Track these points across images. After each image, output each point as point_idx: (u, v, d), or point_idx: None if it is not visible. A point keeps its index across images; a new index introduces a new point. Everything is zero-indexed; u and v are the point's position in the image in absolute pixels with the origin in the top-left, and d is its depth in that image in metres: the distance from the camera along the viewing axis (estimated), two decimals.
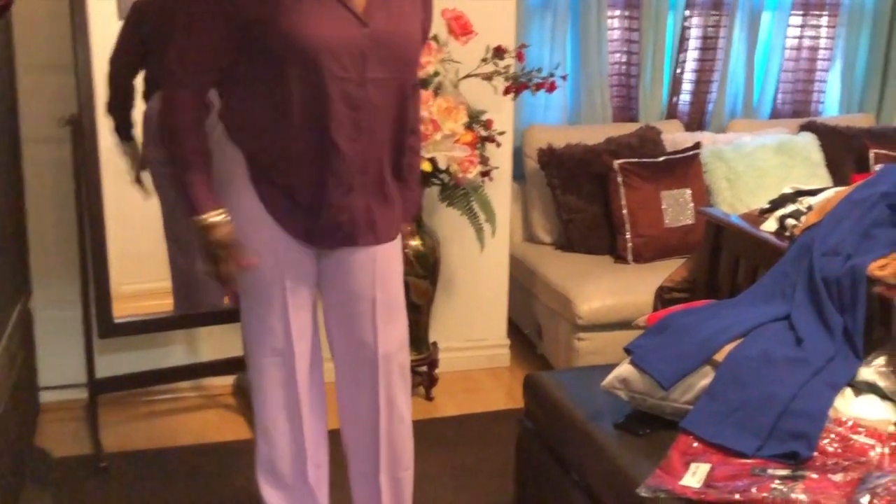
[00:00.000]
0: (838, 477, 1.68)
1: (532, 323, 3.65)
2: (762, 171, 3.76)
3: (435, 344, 3.37)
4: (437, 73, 2.94)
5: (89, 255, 2.78)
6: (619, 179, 3.54)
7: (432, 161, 2.89)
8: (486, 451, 2.91)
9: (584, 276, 3.37)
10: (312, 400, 2.05)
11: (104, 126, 2.77)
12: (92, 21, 2.65)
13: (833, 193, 2.36)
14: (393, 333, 2.04)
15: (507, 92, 3.12)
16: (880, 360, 1.96)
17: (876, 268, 2.03)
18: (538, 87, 3.11)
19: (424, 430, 3.03)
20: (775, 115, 4.34)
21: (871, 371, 1.95)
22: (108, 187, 2.77)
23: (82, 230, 2.77)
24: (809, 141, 3.96)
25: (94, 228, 2.75)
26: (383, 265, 1.99)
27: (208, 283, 2.99)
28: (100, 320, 2.82)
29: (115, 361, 3.03)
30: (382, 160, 1.92)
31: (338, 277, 1.99)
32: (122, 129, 2.85)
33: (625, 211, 3.54)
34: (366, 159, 1.87)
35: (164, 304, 3.00)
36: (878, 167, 2.98)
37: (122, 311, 2.87)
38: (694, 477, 1.74)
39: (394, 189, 1.97)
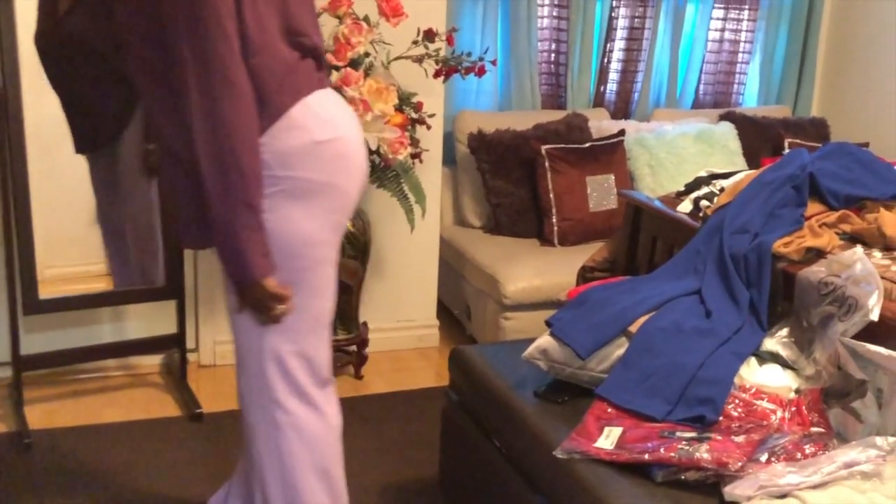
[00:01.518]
0: (741, 438, 1.77)
1: (461, 304, 3.72)
2: (682, 159, 3.89)
3: (365, 324, 3.42)
4: (367, 54, 2.98)
5: (14, 231, 2.76)
6: (547, 165, 3.63)
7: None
8: (413, 427, 2.97)
9: (511, 259, 3.45)
10: None
11: (30, 102, 2.74)
12: None
13: (744, 176, 2.47)
14: None
15: (437, 75, 3.17)
16: (783, 332, 2.07)
17: (780, 245, 2.14)
18: (468, 70, 3.17)
19: (354, 408, 3.09)
20: (697, 105, 4.49)
21: (775, 342, 2.06)
22: (33, 164, 2.74)
23: (7, 206, 2.75)
24: (728, 130, 4.11)
25: (19, 204, 2.72)
26: None
27: (145, 262, 3.03)
28: (25, 297, 2.79)
29: (42, 339, 3.01)
30: None
31: None
32: None
33: (551, 195, 3.64)
34: None
35: (91, 289, 2.98)
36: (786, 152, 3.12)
37: (48, 294, 2.85)
38: (607, 440, 1.82)
39: None
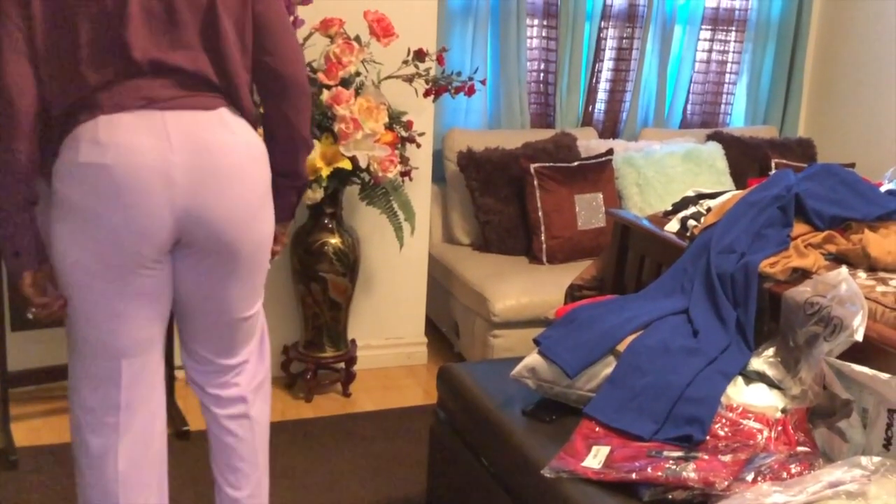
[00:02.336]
0: (727, 457, 1.78)
1: (449, 321, 3.73)
2: (670, 178, 3.92)
3: (353, 341, 3.42)
4: (358, 73, 3.00)
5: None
6: (535, 183, 3.65)
7: (353, 160, 2.94)
8: (401, 445, 2.97)
9: (499, 276, 3.46)
10: None
11: None
12: None
13: (730, 196, 2.50)
14: None
15: (427, 94, 3.20)
16: (769, 352, 2.09)
17: (767, 265, 2.16)
18: (457, 90, 3.20)
19: (341, 425, 3.09)
20: (685, 125, 4.52)
21: (761, 361, 2.07)
22: None
23: None
24: (715, 150, 4.14)
25: None
26: None
27: None
28: (12, 313, 2.79)
29: (28, 356, 3.00)
30: None
31: None
32: None
33: (540, 213, 3.65)
34: None
35: None
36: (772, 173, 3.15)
37: None
38: (595, 458, 1.83)
39: None
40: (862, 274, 2.16)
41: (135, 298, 1.75)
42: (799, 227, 2.31)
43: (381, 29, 2.99)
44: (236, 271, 1.83)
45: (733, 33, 4.49)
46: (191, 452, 2.83)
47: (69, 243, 1.70)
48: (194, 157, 1.69)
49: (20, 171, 1.65)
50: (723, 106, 4.58)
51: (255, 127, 1.85)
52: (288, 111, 1.89)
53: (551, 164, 3.70)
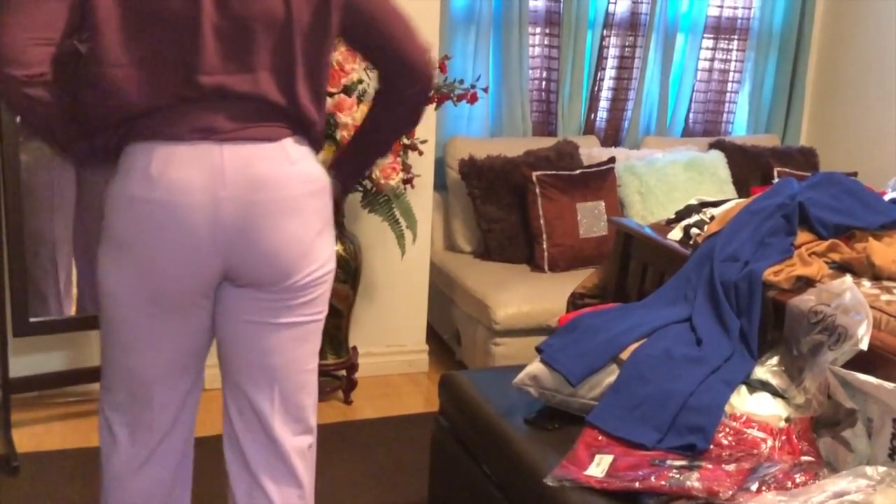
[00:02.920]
0: (731, 467, 1.78)
1: (451, 329, 3.72)
2: (672, 186, 3.92)
3: (354, 348, 3.42)
4: (360, 81, 3.00)
5: (5, 253, 2.75)
6: (537, 191, 3.65)
7: None
8: (402, 453, 2.96)
9: (501, 284, 3.46)
10: None
11: None
12: None
13: (734, 204, 2.49)
14: None
15: (429, 102, 3.19)
16: (773, 360, 2.08)
17: (771, 273, 2.15)
18: (460, 97, 3.20)
19: (342, 433, 3.08)
20: (687, 133, 4.52)
21: (765, 370, 2.06)
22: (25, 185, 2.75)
23: None
24: (717, 158, 4.14)
25: (12, 225, 2.72)
26: None
27: None
28: (15, 319, 2.78)
29: (30, 362, 3.00)
30: None
31: None
32: None
33: (542, 221, 3.65)
34: None
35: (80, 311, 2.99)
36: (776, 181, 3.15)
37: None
38: (598, 467, 1.82)
39: None
40: (866, 283, 2.15)
41: (176, 334, 1.69)
42: (803, 236, 2.30)
43: None
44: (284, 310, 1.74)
45: (735, 42, 4.50)
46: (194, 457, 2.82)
47: (113, 275, 1.63)
48: (246, 194, 1.58)
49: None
50: (725, 114, 4.58)
51: (320, 147, 1.76)
52: (399, 114, 1.82)
53: (553, 172, 3.70)
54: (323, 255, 1.72)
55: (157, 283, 1.61)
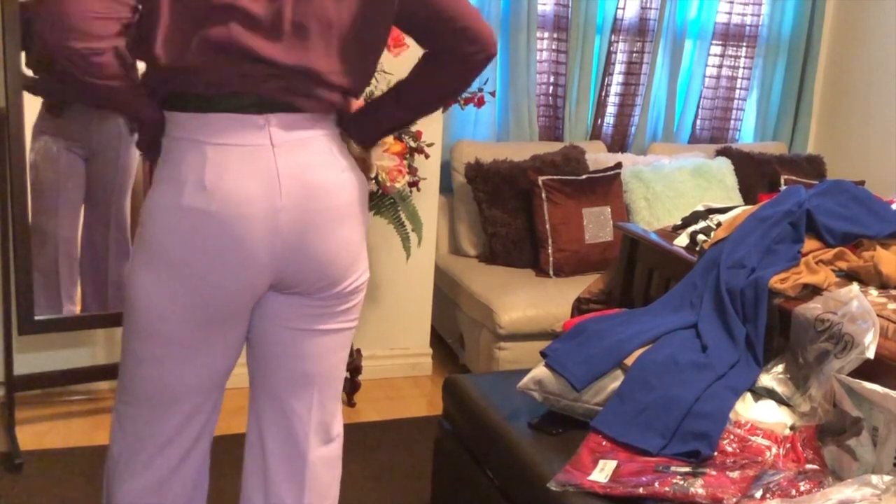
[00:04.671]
0: (735, 474, 1.77)
1: (455, 333, 3.72)
2: (679, 192, 3.91)
3: (359, 351, 3.41)
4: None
5: (11, 251, 2.75)
6: (543, 196, 3.65)
7: None
8: (405, 456, 2.96)
9: (506, 288, 3.45)
10: None
11: (31, 120, 2.76)
12: None
13: (741, 211, 2.49)
14: None
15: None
16: (779, 368, 2.07)
17: (777, 281, 2.15)
18: (467, 101, 3.19)
19: (345, 435, 3.05)
20: (694, 139, 4.51)
21: (770, 378, 2.06)
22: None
23: (5, 225, 2.74)
24: (724, 165, 4.14)
25: (18, 224, 2.72)
26: None
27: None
28: (20, 317, 2.79)
29: (34, 359, 3.00)
30: None
31: None
32: None
33: (547, 226, 3.65)
34: None
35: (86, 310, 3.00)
36: (783, 188, 3.14)
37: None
38: (602, 473, 1.81)
39: None
40: (873, 291, 2.14)
41: (215, 348, 1.65)
42: (810, 244, 2.29)
43: (392, 38, 2.99)
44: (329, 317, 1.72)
45: (744, 49, 4.49)
46: None
47: (152, 288, 1.55)
48: (302, 202, 1.55)
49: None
50: (732, 121, 4.58)
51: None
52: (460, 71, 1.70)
53: (559, 176, 3.70)
54: (365, 262, 1.73)
55: (207, 297, 1.56)
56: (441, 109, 3.23)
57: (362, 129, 1.77)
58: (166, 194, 1.53)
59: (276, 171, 1.53)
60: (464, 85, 1.76)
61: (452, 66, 1.69)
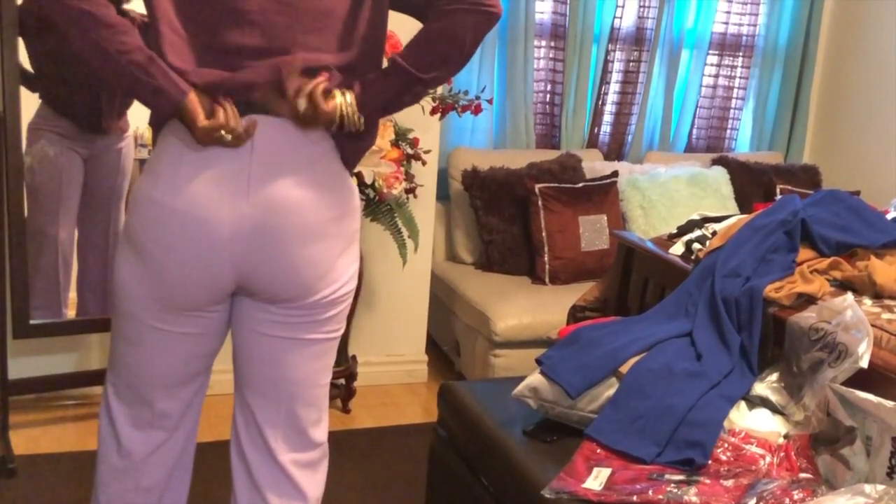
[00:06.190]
0: (729, 482, 1.77)
1: (450, 339, 3.72)
2: (675, 201, 3.92)
3: (354, 357, 3.41)
4: None
5: (6, 255, 2.75)
6: (540, 203, 3.65)
7: (358, 175, 2.95)
8: (400, 463, 2.96)
9: (502, 295, 3.46)
10: None
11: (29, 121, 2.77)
12: None
13: (736, 220, 2.49)
14: None
15: (433, 112, 3.20)
16: (773, 377, 2.08)
17: (772, 290, 2.15)
18: (464, 108, 3.20)
19: (340, 442, 3.07)
20: (690, 148, 4.53)
21: (765, 386, 2.06)
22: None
23: (1, 230, 2.74)
24: (720, 175, 4.15)
25: (14, 228, 2.72)
26: None
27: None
28: (15, 321, 2.78)
29: (29, 364, 3.00)
30: None
31: None
32: None
33: (544, 234, 3.65)
34: None
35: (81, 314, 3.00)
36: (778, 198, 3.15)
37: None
38: (596, 480, 1.82)
39: None
40: (867, 301, 2.15)
41: (184, 336, 1.68)
42: (805, 253, 2.30)
43: (390, 46, 3.00)
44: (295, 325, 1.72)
45: (740, 59, 4.51)
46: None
47: (125, 272, 1.64)
48: (268, 215, 1.56)
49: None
50: (728, 131, 4.59)
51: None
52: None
53: (556, 184, 3.71)
54: (345, 275, 1.70)
55: (165, 288, 1.61)
56: (439, 117, 3.25)
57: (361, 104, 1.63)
58: (144, 185, 1.60)
59: (248, 178, 1.55)
60: (463, 40, 1.58)
61: (456, 16, 1.56)
